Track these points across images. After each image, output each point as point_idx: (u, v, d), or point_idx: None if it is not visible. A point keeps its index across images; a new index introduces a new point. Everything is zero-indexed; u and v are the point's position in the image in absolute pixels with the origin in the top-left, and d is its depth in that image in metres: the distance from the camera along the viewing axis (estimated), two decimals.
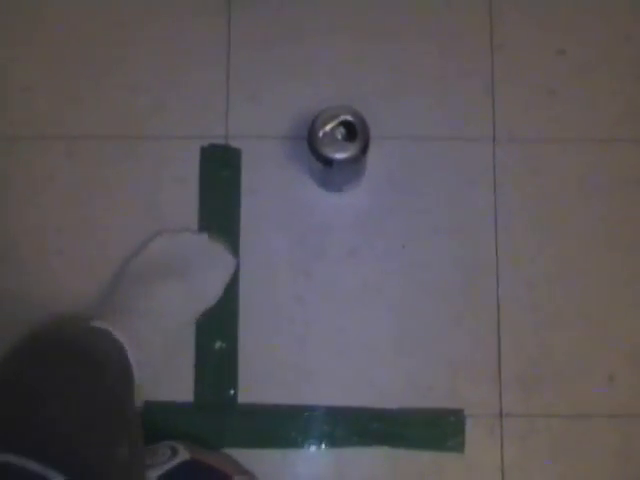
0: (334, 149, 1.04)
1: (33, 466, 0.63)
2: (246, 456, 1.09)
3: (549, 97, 1.20)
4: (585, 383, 1.15)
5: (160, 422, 1.12)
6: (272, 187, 1.18)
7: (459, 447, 1.12)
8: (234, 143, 1.19)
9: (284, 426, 1.13)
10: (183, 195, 1.17)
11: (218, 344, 1.13)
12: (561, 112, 1.20)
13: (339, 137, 1.05)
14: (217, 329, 1.14)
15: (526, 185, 1.18)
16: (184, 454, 0.96)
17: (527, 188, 1.18)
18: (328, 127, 1.04)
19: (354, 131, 1.04)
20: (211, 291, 1.08)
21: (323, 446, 1.13)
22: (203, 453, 0.98)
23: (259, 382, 1.14)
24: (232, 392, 1.13)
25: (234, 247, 1.16)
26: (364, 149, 1.05)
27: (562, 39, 1.22)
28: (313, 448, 1.13)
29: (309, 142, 1.05)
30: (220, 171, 1.18)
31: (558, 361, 1.15)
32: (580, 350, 1.15)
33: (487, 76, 1.20)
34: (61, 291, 1.15)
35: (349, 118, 1.04)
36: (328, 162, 1.05)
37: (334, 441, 1.13)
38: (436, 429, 1.13)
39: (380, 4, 1.22)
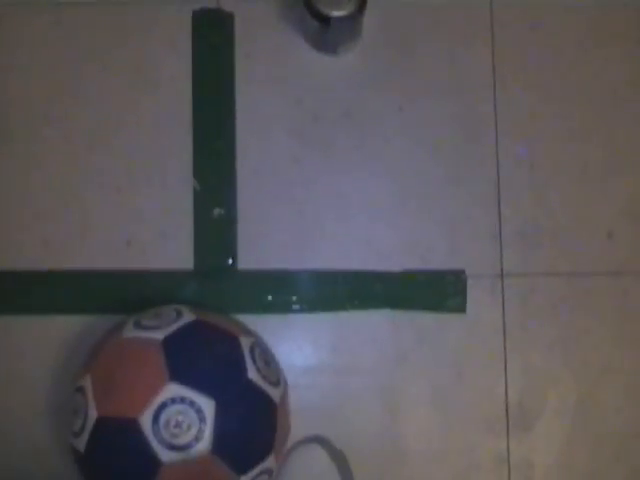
0: (331, 6, 1.01)
1: None
2: (246, 322, 1.08)
3: None
4: (584, 240, 1.14)
5: (161, 290, 1.10)
6: (266, 51, 1.15)
7: (460, 307, 1.12)
8: (227, 7, 1.15)
9: (284, 291, 1.13)
10: (176, 61, 1.15)
11: (217, 211, 1.12)
12: None
13: None
14: (215, 196, 1.12)
15: (525, 42, 1.15)
16: (189, 315, 0.95)
17: (526, 45, 1.16)
18: None
19: None
20: None
21: (323, 310, 1.11)
22: (207, 315, 0.98)
23: (259, 248, 1.13)
24: (231, 259, 1.11)
25: (229, 111, 1.12)
26: (361, 7, 1.02)
27: None
28: (313, 312, 1.11)
29: (305, 0, 1.02)
30: (213, 36, 1.15)
31: (557, 219, 1.15)
32: (579, 207, 1.15)
33: None
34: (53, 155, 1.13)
35: None
36: (325, 20, 1.02)
37: (335, 304, 1.13)
38: (437, 290, 1.13)
39: None
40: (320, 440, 1.09)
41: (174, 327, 0.93)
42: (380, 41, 1.15)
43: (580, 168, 1.15)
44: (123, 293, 1.12)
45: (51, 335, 1.11)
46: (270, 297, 1.12)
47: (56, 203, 1.14)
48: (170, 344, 0.91)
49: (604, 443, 1.14)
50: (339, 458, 1.08)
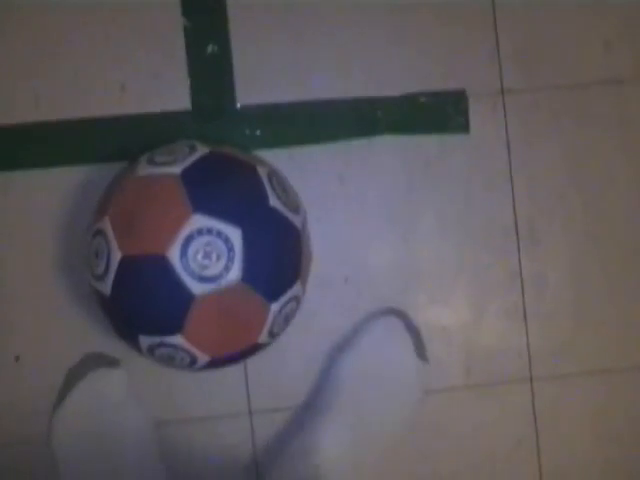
0: None
1: None
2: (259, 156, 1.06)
3: None
4: (582, 52, 1.13)
5: (160, 133, 1.08)
6: None
7: (464, 127, 1.12)
8: None
9: (286, 124, 1.11)
10: None
11: (210, 47, 1.09)
12: None
13: None
14: (207, 32, 1.08)
15: None
16: (203, 149, 0.93)
17: None
18: None
19: None
20: None
21: (327, 140, 1.10)
22: (221, 147, 0.96)
23: (257, 82, 1.11)
24: (230, 96, 1.08)
25: None
26: None
27: None
28: (317, 143, 1.11)
29: None
30: None
31: (554, 32, 1.13)
32: (575, 18, 1.13)
33: None
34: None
35: None
36: None
37: (339, 135, 1.11)
38: (439, 111, 1.12)
39: None
40: (396, 312, 1.09)
41: (190, 160, 0.91)
42: None
43: None
44: (122, 139, 1.09)
45: (52, 187, 1.08)
46: (272, 131, 1.10)
47: (45, 55, 1.08)
48: (189, 177, 0.89)
49: (613, 253, 1.15)
50: (413, 330, 1.09)
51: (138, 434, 1.04)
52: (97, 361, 1.07)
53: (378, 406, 1.05)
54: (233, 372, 1.09)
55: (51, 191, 1.08)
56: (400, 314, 1.09)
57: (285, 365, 1.10)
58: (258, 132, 1.09)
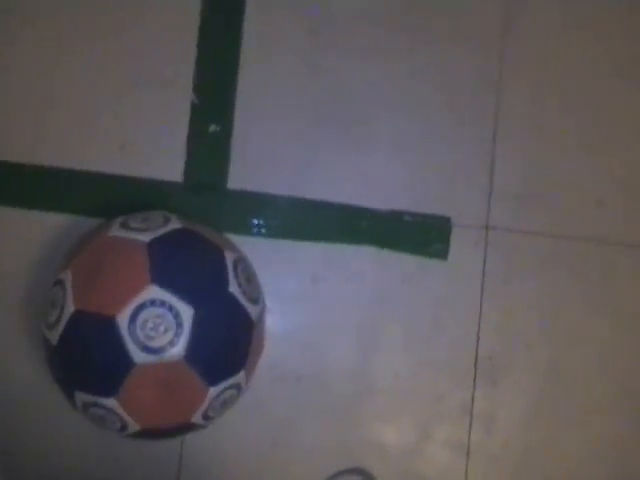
0: None
1: None
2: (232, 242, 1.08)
3: None
4: (574, 205, 1.15)
5: (147, 198, 1.10)
6: None
7: (443, 253, 1.13)
8: None
9: (271, 215, 1.13)
10: None
11: (212, 127, 1.11)
12: None
13: None
14: (212, 112, 1.11)
15: None
16: (176, 223, 0.95)
17: None
18: None
19: None
20: None
21: (309, 239, 1.12)
22: (195, 225, 0.97)
23: (251, 169, 1.13)
24: (222, 176, 1.11)
25: (237, 26, 1.11)
26: None
27: None
28: (298, 240, 1.11)
29: None
30: None
31: (550, 182, 1.15)
32: (573, 171, 1.15)
33: None
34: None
35: None
36: None
37: (321, 235, 1.12)
38: (422, 233, 1.13)
39: None
40: (363, 473, 1.10)
41: (161, 231, 0.93)
42: None
43: (578, 136, 1.15)
44: (109, 197, 1.11)
45: (30, 230, 1.10)
46: (255, 220, 1.12)
47: (53, 100, 1.12)
48: (155, 247, 0.91)
49: (568, 410, 1.14)
50: None
51: None
52: None
53: None
54: (169, 446, 1.07)
55: (28, 233, 1.10)
56: (366, 475, 1.08)
57: (223, 450, 1.09)
58: (242, 217, 1.11)
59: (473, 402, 1.13)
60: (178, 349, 0.88)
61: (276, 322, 1.05)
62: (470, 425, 1.12)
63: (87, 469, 1.08)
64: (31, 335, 1.08)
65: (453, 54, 1.15)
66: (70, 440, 1.08)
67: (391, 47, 1.15)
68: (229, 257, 0.94)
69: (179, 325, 0.87)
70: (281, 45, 1.14)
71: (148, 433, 0.93)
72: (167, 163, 1.11)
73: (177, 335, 0.87)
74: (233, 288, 0.92)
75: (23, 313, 1.08)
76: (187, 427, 0.94)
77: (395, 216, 1.12)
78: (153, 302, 0.87)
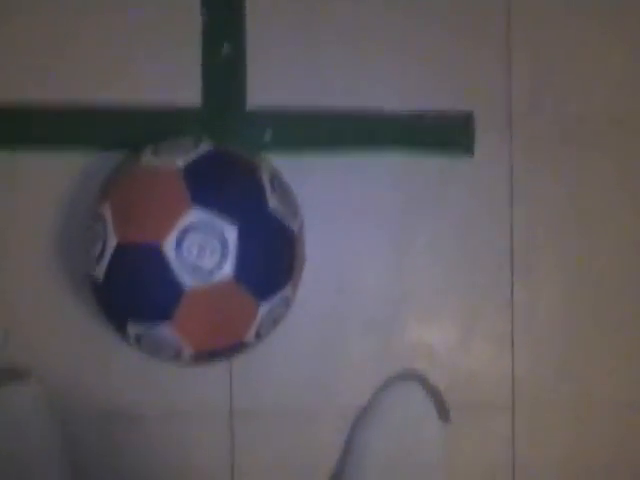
0: None
1: None
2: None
3: None
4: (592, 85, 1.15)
5: (168, 127, 1.09)
6: None
7: (469, 150, 1.13)
8: None
9: (295, 130, 1.13)
10: None
11: (226, 47, 1.10)
12: None
13: None
14: (224, 30, 1.10)
15: None
16: (208, 145, 0.94)
17: None
18: None
19: None
20: None
21: (335, 151, 1.11)
22: (226, 146, 0.97)
23: (268, 86, 1.12)
24: (241, 96, 1.10)
25: None
26: None
27: None
28: (324, 152, 1.12)
29: None
30: None
31: (568, 61, 1.15)
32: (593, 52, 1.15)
33: None
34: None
35: None
36: None
37: (346, 145, 1.12)
38: (445, 131, 1.13)
39: None
40: (416, 377, 1.11)
41: (193, 155, 0.92)
42: None
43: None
44: (129, 129, 1.10)
45: (58, 170, 1.09)
46: (279, 135, 1.12)
47: (64, 34, 1.11)
48: (191, 170, 0.90)
49: (607, 289, 1.16)
50: (434, 394, 1.10)
51: (45, 452, 1.03)
52: (5, 376, 1.05)
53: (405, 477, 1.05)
54: (217, 370, 1.08)
55: (56, 174, 1.09)
56: (420, 378, 1.10)
57: (271, 368, 1.10)
58: (265, 134, 1.10)
59: (513, 294, 1.12)
60: (227, 269, 0.88)
61: (309, 234, 1.04)
62: (512, 315, 1.12)
63: (138, 399, 1.08)
64: (72, 275, 1.07)
65: None
66: (118, 374, 1.07)
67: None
68: (264, 173, 0.94)
69: (225, 245, 0.87)
70: None
71: (203, 356, 0.94)
72: (184, 88, 1.10)
73: (224, 255, 0.88)
74: (272, 204, 0.92)
75: (62, 254, 1.08)
76: (240, 346, 0.95)
77: (417, 116, 1.11)
78: (196, 225, 0.87)
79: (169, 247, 0.87)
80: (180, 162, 0.91)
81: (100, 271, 0.91)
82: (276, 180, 0.95)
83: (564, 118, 1.14)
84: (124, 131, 1.10)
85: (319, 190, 1.12)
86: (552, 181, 1.15)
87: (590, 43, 1.15)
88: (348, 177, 1.13)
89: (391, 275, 1.13)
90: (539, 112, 1.14)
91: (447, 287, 1.14)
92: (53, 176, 1.09)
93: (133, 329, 0.92)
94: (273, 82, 1.12)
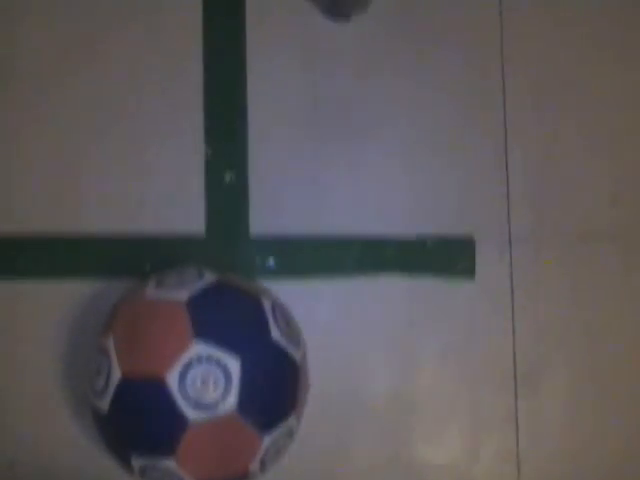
0: None
1: None
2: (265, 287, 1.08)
3: None
4: (589, 204, 1.16)
5: (172, 255, 1.11)
6: (278, 13, 1.16)
7: (470, 272, 1.14)
8: None
9: (299, 256, 1.13)
10: (187, 22, 1.15)
11: (228, 176, 1.12)
12: None
13: None
14: (227, 161, 1.12)
15: None
16: (211, 276, 0.95)
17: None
18: None
19: None
20: None
21: (335, 275, 1.12)
22: (228, 276, 0.98)
23: (271, 213, 1.14)
24: (244, 224, 1.11)
25: (240, 73, 1.12)
26: None
27: None
28: (326, 278, 1.12)
29: None
30: None
31: (564, 182, 1.17)
32: (585, 171, 1.17)
33: None
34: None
35: None
36: None
37: (348, 270, 1.13)
38: (446, 254, 1.14)
39: None
40: None
41: (197, 288, 0.93)
42: (390, 4, 1.15)
43: (587, 124, 1.17)
44: (135, 257, 1.12)
45: (61, 299, 1.11)
46: (282, 262, 1.13)
47: (67, 164, 1.13)
48: (194, 304, 0.91)
49: (609, 407, 1.15)
50: None
51: None
52: None
53: None
54: None
55: (60, 302, 1.11)
56: None
57: None
58: (269, 261, 1.12)
59: (517, 408, 1.12)
60: (230, 403, 0.89)
61: (314, 355, 1.04)
62: (517, 432, 1.12)
63: None
64: (75, 403, 1.07)
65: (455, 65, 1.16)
66: None
67: (393, 65, 1.15)
68: (266, 304, 0.95)
69: (228, 378, 0.88)
70: (284, 84, 1.15)
71: None
72: (188, 217, 1.12)
73: (227, 389, 0.88)
74: (275, 335, 0.93)
75: (64, 383, 1.08)
76: (245, 477, 0.94)
77: (419, 241, 1.12)
78: (200, 358, 0.88)
79: (172, 381, 0.88)
80: (184, 295, 0.92)
81: (104, 403, 0.92)
82: (278, 310, 0.96)
83: (563, 238, 1.14)
84: (128, 259, 1.12)
85: (324, 313, 1.14)
86: (553, 298, 1.15)
87: (583, 163, 1.17)
88: (352, 298, 1.14)
89: (396, 389, 1.14)
90: (538, 233, 1.14)
91: (452, 401, 1.14)
92: (57, 304, 1.11)
93: (137, 463, 0.92)
94: (275, 209, 1.13)
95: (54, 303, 1.10)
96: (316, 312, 1.12)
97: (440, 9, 1.17)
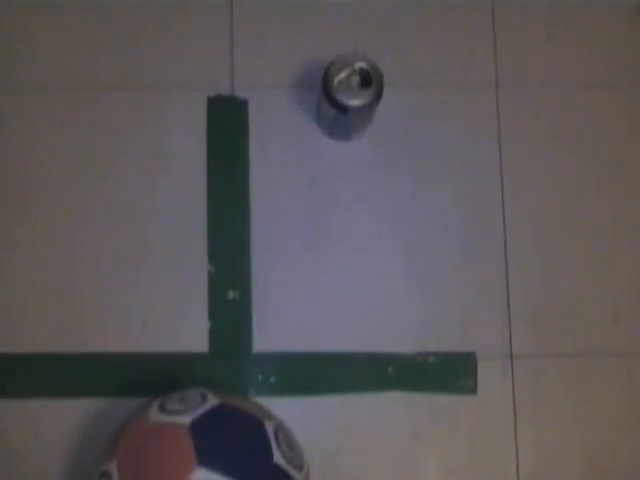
0: (350, 96, 1.05)
1: None
2: (262, 403, 1.09)
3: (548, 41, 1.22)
4: (591, 321, 1.17)
5: (176, 373, 1.11)
6: (280, 135, 1.19)
7: (472, 389, 1.14)
8: (241, 93, 1.18)
9: (299, 374, 1.14)
10: (190, 144, 1.17)
11: (231, 294, 1.13)
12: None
13: (354, 84, 1.05)
14: (230, 278, 1.13)
15: (529, 127, 1.20)
16: (214, 399, 0.96)
17: (530, 129, 1.20)
18: (343, 74, 1.05)
19: (369, 78, 1.05)
20: None
21: (337, 392, 1.13)
22: (231, 398, 0.99)
23: (273, 330, 1.14)
24: (247, 341, 1.13)
25: (243, 194, 1.15)
26: (378, 96, 1.06)
27: None
28: (328, 395, 1.12)
29: (324, 89, 1.05)
30: (227, 120, 1.17)
31: (565, 300, 1.17)
32: (585, 289, 1.18)
33: (489, 22, 1.21)
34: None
35: (364, 65, 1.05)
36: (343, 109, 1.05)
37: (350, 387, 1.13)
38: (449, 371, 1.15)
39: None
40: None
41: (200, 411, 0.94)
42: (390, 126, 1.18)
43: (586, 248, 1.19)
44: (139, 376, 1.12)
45: (67, 418, 1.11)
46: (285, 379, 1.13)
47: (72, 285, 1.13)
48: (197, 428, 0.92)
49: None
50: None
51: None
52: None
53: None
54: None
55: (64, 422, 1.11)
56: None
57: None
58: (272, 378, 1.12)
59: None
60: None
61: (317, 477, 1.04)
62: None
63: None
64: None
65: (456, 193, 1.18)
66: None
67: (392, 192, 1.17)
68: (269, 426, 0.96)
69: None
70: (285, 204, 1.17)
71: None
72: (191, 334, 1.12)
73: None
74: (277, 458, 0.93)
75: None
76: None
77: (420, 358, 1.13)
78: None
79: None
80: (187, 419, 0.93)
81: None
82: (281, 433, 0.96)
83: (565, 355, 1.15)
84: (132, 377, 1.13)
85: (326, 430, 1.14)
86: (555, 415, 1.16)
87: (584, 280, 1.19)
88: (354, 415, 1.15)
89: None
90: (540, 349, 1.16)
91: None
92: (62, 422, 1.11)
93: None
94: (278, 326, 1.14)
95: (56, 423, 1.11)
96: (318, 429, 1.12)
97: (440, 135, 1.18)
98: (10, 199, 1.17)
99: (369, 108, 1.06)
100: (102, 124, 1.18)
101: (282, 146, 1.18)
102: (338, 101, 1.05)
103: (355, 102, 1.05)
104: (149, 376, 1.12)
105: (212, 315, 1.13)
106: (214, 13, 1.20)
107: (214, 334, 1.13)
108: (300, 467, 0.96)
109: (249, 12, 1.21)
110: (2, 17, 1.20)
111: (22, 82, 1.19)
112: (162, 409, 0.96)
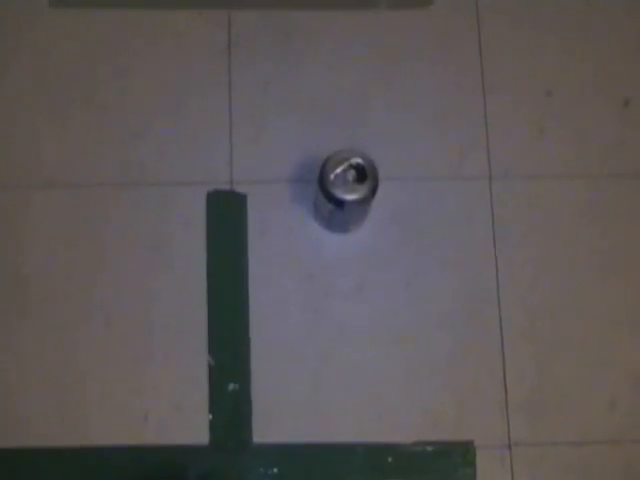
0: (346, 191, 1.08)
1: None
2: None
3: (540, 135, 1.25)
4: (588, 409, 1.18)
5: (176, 465, 1.12)
6: (278, 228, 1.21)
7: (470, 477, 1.14)
8: (240, 188, 1.21)
9: (300, 465, 1.14)
10: (190, 238, 1.20)
11: (231, 385, 1.14)
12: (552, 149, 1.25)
13: (350, 179, 1.07)
14: (229, 370, 1.15)
15: (523, 218, 1.23)
16: None
17: (524, 221, 1.23)
18: (339, 169, 1.07)
19: (364, 173, 1.07)
20: None
21: None
22: None
23: (273, 421, 1.15)
24: (247, 433, 1.14)
25: (243, 287, 1.16)
26: (374, 190, 1.08)
27: (549, 81, 1.27)
28: None
29: (321, 184, 1.08)
30: (226, 215, 1.20)
31: (561, 389, 1.18)
32: (581, 377, 1.19)
33: (481, 117, 1.24)
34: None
35: (359, 161, 1.08)
36: (340, 203, 1.08)
37: (351, 477, 1.15)
38: (447, 461, 1.15)
39: (379, 46, 1.26)
40: None
41: None
42: (386, 218, 1.21)
43: (581, 338, 1.20)
44: (139, 469, 1.12)
45: None
46: (285, 470, 1.14)
47: (72, 378, 1.15)
48: None
49: None
50: None
51: None
52: None
53: None
54: None
55: None
56: None
57: None
58: (273, 470, 1.13)
59: None
60: None
61: None
62: None
63: None
64: None
65: (451, 282, 1.20)
66: None
67: (388, 283, 1.19)
68: None
69: None
70: (284, 296, 1.20)
71: None
72: (192, 426, 1.13)
73: None
74: None
75: None
76: None
77: (418, 447, 1.14)
78: None
79: None
80: None
81: None
82: None
83: (562, 443, 1.16)
84: (133, 470, 1.14)
85: None
86: None
87: (580, 369, 1.21)
88: None
89: None
90: (538, 438, 1.16)
91: None
92: None
93: None
94: (278, 418, 1.15)
95: None
96: None
97: (437, 225, 1.21)
98: (10, 294, 1.18)
99: (365, 202, 1.09)
100: (102, 219, 1.20)
101: (280, 239, 1.20)
102: (334, 195, 1.07)
103: (351, 196, 1.07)
104: (150, 469, 1.12)
105: (212, 407, 1.14)
106: (213, 110, 1.23)
107: (214, 426, 1.14)
108: None
109: (247, 109, 1.24)
110: (5, 114, 1.22)
111: (24, 177, 1.22)
112: None
